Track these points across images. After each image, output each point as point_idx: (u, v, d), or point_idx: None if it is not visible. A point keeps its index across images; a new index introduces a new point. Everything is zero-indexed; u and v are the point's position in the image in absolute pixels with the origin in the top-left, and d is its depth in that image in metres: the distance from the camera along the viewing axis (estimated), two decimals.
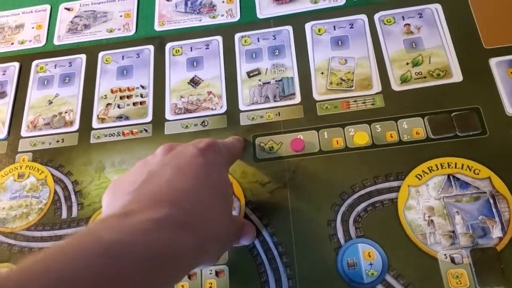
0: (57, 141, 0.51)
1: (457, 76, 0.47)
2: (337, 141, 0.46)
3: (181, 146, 0.36)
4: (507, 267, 0.38)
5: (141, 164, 0.35)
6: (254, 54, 0.52)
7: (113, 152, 0.49)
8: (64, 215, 0.47)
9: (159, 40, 0.55)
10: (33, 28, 0.60)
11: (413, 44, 0.49)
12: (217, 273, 0.42)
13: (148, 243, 0.26)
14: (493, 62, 0.47)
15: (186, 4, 0.57)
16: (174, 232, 0.28)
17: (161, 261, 0.27)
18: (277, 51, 0.52)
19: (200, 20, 0.55)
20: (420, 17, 0.50)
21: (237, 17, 0.55)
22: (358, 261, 0.40)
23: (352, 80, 0.48)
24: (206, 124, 0.49)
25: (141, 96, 0.52)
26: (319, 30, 0.52)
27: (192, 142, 0.37)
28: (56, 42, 0.58)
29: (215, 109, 0.50)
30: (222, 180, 0.35)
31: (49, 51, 0.57)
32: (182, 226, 0.29)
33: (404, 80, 0.47)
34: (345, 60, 0.50)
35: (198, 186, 0.32)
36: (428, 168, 0.43)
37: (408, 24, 0.50)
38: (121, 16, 0.58)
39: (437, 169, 0.43)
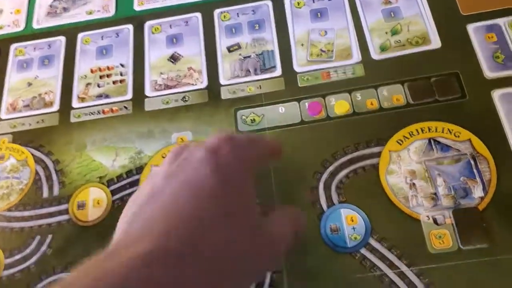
0: (37, 122, 0.50)
1: (435, 43, 0.47)
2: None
3: (190, 149, 0.30)
4: (489, 225, 0.38)
5: (152, 174, 0.30)
6: (233, 29, 0.52)
7: (94, 130, 0.49)
8: (46, 194, 0.46)
9: (139, 19, 0.55)
10: (11, 13, 0.59)
11: (392, 13, 0.49)
12: None
13: (133, 283, 0.22)
14: (470, 28, 0.47)
15: None
16: (162, 269, 0.23)
17: None
18: (257, 25, 0.51)
19: None
20: None
21: None
22: (341, 226, 0.40)
23: (332, 51, 0.48)
24: (186, 99, 0.49)
25: (121, 74, 0.51)
26: (298, 4, 0.52)
27: (205, 141, 0.30)
28: (35, 26, 0.58)
29: (196, 84, 0.49)
30: (237, 186, 0.28)
31: (28, 35, 0.57)
32: (173, 259, 0.23)
33: (383, 48, 0.47)
34: (325, 31, 0.50)
35: (200, 202, 0.26)
36: (409, 133, 0.43)
37: None
38: None
39: (418, 133, 0.43)
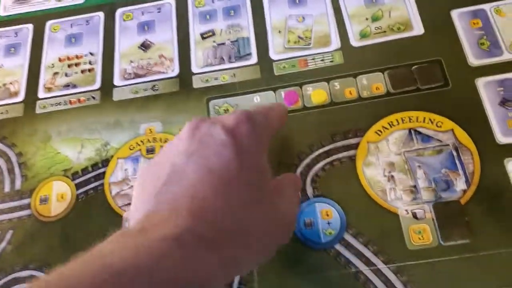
0: (1, 113, 0.48)
1: (418, 29, 0.45)
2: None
3: (208, 124, 0.29)
4: (472, 220, 0.36)
5: (168, 150, 0.30)
6: (208, 15, 0.49)
7: (59, 121, 0.46)
8: (7, 188, 0.44)
9: (110, 6, 0.52)
10: None
11: None
12: None
13: (164, 267, 0.22)
14: (455, 13, 0.45)
15: None
16: (195, 251, 0.23)
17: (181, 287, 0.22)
18: (233, 11, 0.49)
19: None
20: None
21: None
22: (315, 220, 0.38)
23: (310, 38, 0.46)
24: (156, 88, 0.46)
25: (90, 63, 0.49)
26: None
27: (222, 118, 0.30)
28: (2, 13, 0.55)
29: (167, 72, 0.47)
30: (258, 170, 0.29)
31: None
32: (204, 241, 0.24)
33: (363, 35, 0.45)
34: (303, 17, 0.47)
35: (225, 187, 0.26)
36: (388, 123, 0.41)
37: None
38: None
39: (398, 123, 0.40)
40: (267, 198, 0.29)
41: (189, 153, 0.28)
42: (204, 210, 0.25)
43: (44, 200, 0.43)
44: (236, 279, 0.37)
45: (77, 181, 0.43)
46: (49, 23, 0.53)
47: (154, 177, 0.28)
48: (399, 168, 0.39)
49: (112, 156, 0.44)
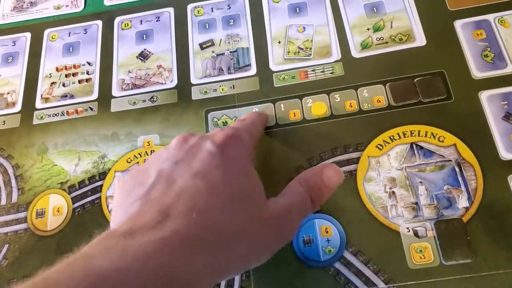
0: None
1: (420, 40, 0.44)
2: (294, 113, 0.43)
3: (197, 138, 0.31)
4: (474, 239, 0.35)
5: (153, 158, 0.31)
6: (207, 24, 0.48)
7: (56, 132, 0.46)
8: (3, 201, 0.43)
9: (108, 15, 0.51)
10: None
11: (374, 8, 0.46)
12: None
13: (151, 270, 0.22)
14: (458, 24, 0.44)
15: None
16: (182, 253, 0.24)
17: None
18: (232, 21, 0.48)
19: None
20: None
21: None
22: (314, 237, 0.37)
23: (311, 49, 0.45)
24: (155, 99, 0.45)
25: (87, 73, 0.48)
26: None
27: (210, 134, 0.32)
28: (0, 21, 0.54)
29: (165, 83, 0.46)
30: (245, 177, 0.30)
31: None
32: (191, 243, 0.24)
33: (364, 46, 0.44)
34: (303, 27, 0.46)
35: (212, 193, 0.27)
36: (390, 137, 0.40)
37: None
38: None
39: (399, 138, 0.40)
40: (254, 201, 0.29)
41: (176, 161, 0.29)
42: (191, 213, 0.25)
43: (41, 214, 0.42)
44: None
45: (74, 194, 0.43)
46: (47, 32, 0.52)
47: (139, 182, 0.29)
48: (400, 184, 0.38)
49: (109, 169, 0.43)
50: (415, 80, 0.42)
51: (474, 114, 0.40)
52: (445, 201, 0.37)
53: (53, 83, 0.49)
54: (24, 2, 0.55)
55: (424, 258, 0.35)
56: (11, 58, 0.51)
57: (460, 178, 0.38)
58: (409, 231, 0.36)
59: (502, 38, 0.42)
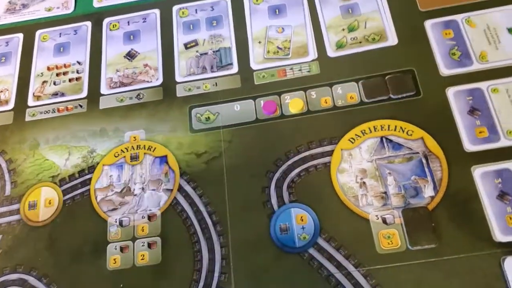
0: None
1: (392, 39, 0.46)
2: None
3: None
4: (438, 225, 0.38)
5: None
6: (191, 25, 0.51)
7: (47, 129, 0.48)
8: None
9: (97, 16, 0.54)
10: None
11: (350, 10, 0.48)
12: (149, 245, 0.41)
13: None
14: (428, 24, 0.46)
15: None
16: None
17: None
18: (215, 21, 0.51)
19: None
20: None
21: None
22: (290, 225, 0.40)
23: (289, 48, 0.48)
24: (141, 97, 0.48)
25: (77, 72, 0.50)
26: (256, 0, 0.51)
27: None
28: None
29: (151, 81, 0.49)
30: None
31: None
32: None
33: (339, 46, 0.47)
34: (282, 28, 0.49)
35: None
36: (361, 131, 0.42)
37: None
38: None
39: (370, 132, 0.42)
40: None
41: None
42: None
43: (33, 206, 0.44)
44: (214, 284, 0.39)
45: (64, 187, 0.45)
46: (38, 33, 0.54)
47: None
48: (370, 174, 0.41)
49: (98, 163, 0.45)
50: (386, 77, 0.44)
51: (441, 109, 0.42)
52: (412, 191, 0.40)
53: (44, 81, 0.51)
54: (17, 4, 0.57)
55: (392, 243, 0.38)
56: (4, 58, 0.53)
57: (426, 169, 0.40)
58: (378, 218, 0.39)
59: (468, 37, 0.45)
